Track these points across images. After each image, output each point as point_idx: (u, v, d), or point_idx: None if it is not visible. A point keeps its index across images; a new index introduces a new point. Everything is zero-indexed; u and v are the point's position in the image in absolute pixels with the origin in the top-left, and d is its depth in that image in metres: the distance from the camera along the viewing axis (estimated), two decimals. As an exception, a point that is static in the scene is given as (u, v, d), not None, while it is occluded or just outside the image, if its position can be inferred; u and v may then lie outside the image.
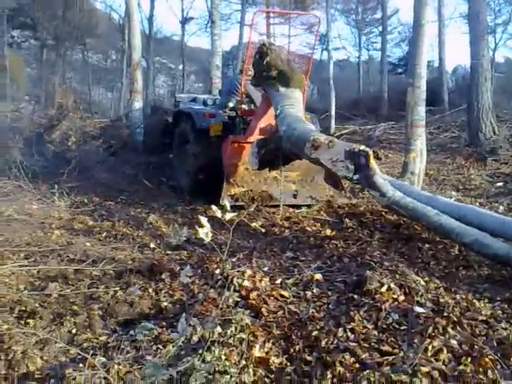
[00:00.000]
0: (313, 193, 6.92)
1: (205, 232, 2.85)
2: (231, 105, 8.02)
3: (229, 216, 2.93)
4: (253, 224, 5.67)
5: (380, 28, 27.16)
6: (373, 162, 4.94)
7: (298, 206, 6.70)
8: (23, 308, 3.34)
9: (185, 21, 28.59)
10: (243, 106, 7.65)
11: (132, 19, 12.53)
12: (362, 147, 5.01)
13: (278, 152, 6.29)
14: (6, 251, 4.56)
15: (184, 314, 2.78)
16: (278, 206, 6.48)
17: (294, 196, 6.81)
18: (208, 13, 22.21)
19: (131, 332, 3.01)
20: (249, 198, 6.52)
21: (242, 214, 4.18)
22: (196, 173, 7.51)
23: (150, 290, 3.70)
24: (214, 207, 2.95)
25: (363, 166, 4.94)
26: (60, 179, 8.04)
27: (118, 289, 3.73)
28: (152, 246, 5.10)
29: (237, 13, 26.37)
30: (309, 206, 6.70)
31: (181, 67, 30.32)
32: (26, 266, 4.22)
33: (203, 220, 2.86)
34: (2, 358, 2.71)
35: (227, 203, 3.02)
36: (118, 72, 26.36)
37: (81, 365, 2.64)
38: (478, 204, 6.49)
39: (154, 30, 28.17)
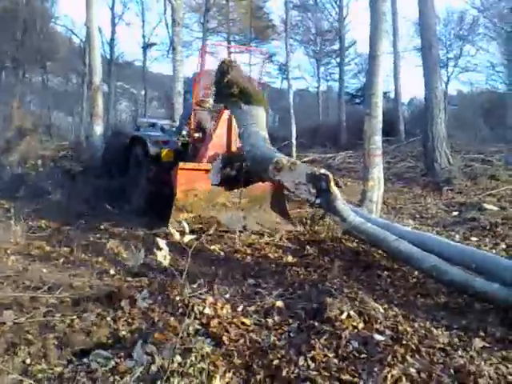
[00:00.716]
0: (260, 220, 6.96)
1: (163, 255, 2.81)
2: (185, 132, 8.18)
3: (187, 238, 2.89)
4: (212, 247, 5.72)
5: (338, 59, 27.96)
6: (333, 187, 5.04)
7: (261, 233, 6.70)
8: (-25, 337, 3.20)
9: (146, 47, 28.72)
10: (195, 134, 7.78)
11: (92, 42, 12.51)
12: (323, 170, 5.16)
13: (240, 172, 6.35)
14: (-43, 278, 4.39)
15: (140, 341, 2.72)
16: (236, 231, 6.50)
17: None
18: (169, 39, 22.41)
19: (86, 361, 2.92)
20: (197, 224, 6.51)
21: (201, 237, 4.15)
22: (148, 196, 7.82)
23: (108, 319, 3.59)
24: (172, 230, 2.93)
25: (324, 191, 5.05)
26: (17, 203, 7.83)
27: (74, 317, 3.62)
28: (111, 272, 4.99)
29: (198, 40, 26.76)
30: (270, 234, 6.69)
31: (143, 93, 30.30)
32: (-22, 293, 4.07)
33: (161, 243, 2.82)
34: (-50, 390, 2.59)
35: (185, 225, 2.98)
36: (79, 96, 26.06)
37: (34, 397, 2.55)
38: (435, 232, 6.65)
39: (116, 55, 28.23)
